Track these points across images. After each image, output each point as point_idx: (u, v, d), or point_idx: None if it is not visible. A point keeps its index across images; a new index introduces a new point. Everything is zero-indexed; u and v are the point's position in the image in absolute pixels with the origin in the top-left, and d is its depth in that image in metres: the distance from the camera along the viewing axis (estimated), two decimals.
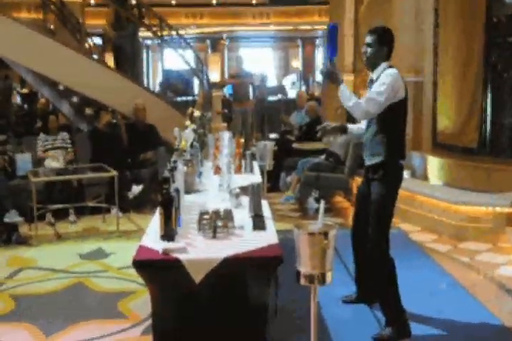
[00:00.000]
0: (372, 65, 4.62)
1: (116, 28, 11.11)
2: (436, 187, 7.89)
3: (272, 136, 14.10)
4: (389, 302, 4.58)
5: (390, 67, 4.55)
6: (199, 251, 3.41)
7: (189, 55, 12.97)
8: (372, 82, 4.61)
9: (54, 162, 8.45)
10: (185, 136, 5.61)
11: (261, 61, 23.43)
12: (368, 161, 4.68)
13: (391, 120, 4.52)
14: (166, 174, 3.89)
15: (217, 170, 5.32)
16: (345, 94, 4.48)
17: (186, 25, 18.81)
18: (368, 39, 4.60)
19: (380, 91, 4.38)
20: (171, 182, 3.71)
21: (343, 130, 5.00)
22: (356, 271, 5.10)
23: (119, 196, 7.69)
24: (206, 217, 3.71)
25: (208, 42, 22.48)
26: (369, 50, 4.60)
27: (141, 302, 5.05)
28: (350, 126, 4.99)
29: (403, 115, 4.63)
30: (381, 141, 4.55)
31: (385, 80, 4.43)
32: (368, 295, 5.03)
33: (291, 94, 18.45)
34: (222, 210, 3.82)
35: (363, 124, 4.86)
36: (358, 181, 8.38)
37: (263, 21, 19.64)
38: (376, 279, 4.68)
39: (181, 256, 3.31)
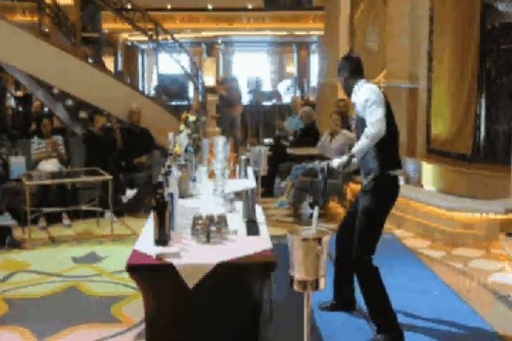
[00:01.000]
0: (347, 89, 4.73)
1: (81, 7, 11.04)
2: (431, 193, 7.90)
3: (267, 141, 14.11)
4: (378, 310, 4.56)
5: (366, 83, 4.60)
6: (193, 256, 3.41)
7: (184, 59, 12.98)
8: (354, 105, 4.67)
9: (48, 165, 8.43)
10: (180, 141, 5.61)
11: (256, 66, 23.46)
12: (364, 180, 4.64)
13: None
14: (160, 178, 3.90)
15: (212, 174, 5.33)
16: (357, 150, 4.47)
17: (181, 29, 18.80)
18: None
19: (373, 112, 4.39)
20: (165, 187, 3.72)
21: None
22: (335, 277, 5.04)
23: (113, 200, 7.67)
24: (200, 221, 3.71)
25: (204, 46, 22.50)
26: (340, 77, 4.75)
27: (135, 307, 5.04)
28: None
29: (390, 125, 4.51)
30: (371, 158, 4.51)
31: (364, 99, 4.46)
32: (345, 303, 5.03)
33: (286, 99, 18.48)
34: (216, 215, 3.82)
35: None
36: (352, 187, 8.40)
37: (258, 26, 19.64)
38: (362, 289, 4.66)
39: (175, 261, 3.31)
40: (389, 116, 4.52)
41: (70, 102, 11.14)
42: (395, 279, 5.84)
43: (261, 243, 3.65)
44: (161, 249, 3.42)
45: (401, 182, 8.23)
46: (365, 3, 10.09)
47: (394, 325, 4.50)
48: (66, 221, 8.05)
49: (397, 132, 4.68)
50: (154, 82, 19.99)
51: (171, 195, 3.76)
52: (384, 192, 4.57)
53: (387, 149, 4.54)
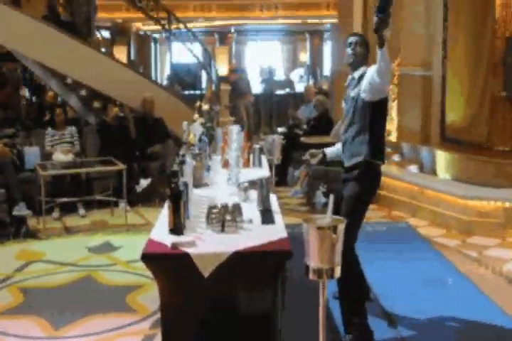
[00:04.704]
0: (358, 64, 4.53)
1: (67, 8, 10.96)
2: (445, 181, 7.86)
3: (280, 130, 14.08)
4: (350, 303, 4.42)
5: None
6: (208, 245, 3.41)
7: (197, 48, 12.94)
8: (353, 79, 4.52)
9: (62, 155, 8.45)
10: (194, 130, 5.60)
11: (269, 54, 23.37)
12: (347, 162, 4.53)
13: (373, 119, 4.40)
14: (175, 167, 3.89)
15: (226, 164, 5.32)
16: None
17: (194, 18, 18.73)
18: (356, 39, 4.52)
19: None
20: (180, 176, 3.71)
21: (323, 156, 4.85)
22: None
23: (127, 189, 7.69)
24: (215, 211, 3.70)
25: (216, 35, 22.44)
26: (359, 49, 4.49)
27: (150, 296, 5.06)
28: (329, 151, 4.87)
29: (384, 116, 4.53)
30: (363, 141, 4.41)
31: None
32: None
33: (299, 87, 18.41)
34: (230, 204, 3.81)
35: (338, 145, 4.78)
36: None
37: (271, 14, 19.53)
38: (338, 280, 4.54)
39: (190, 250, 3.30)
40: (385, 107, 4.52)
41: (83, 92, 11.15)
42: (409, 268, 5.84)
43: (276, 232, 3.64)
44: (176, 238, 3.42)
45: (414, 170, 8.26)
46: None
47: (362, 322, 4.35)
48: (81, 211, 8.07)
49: (385, 128, 4.64)
50: (167, 72, 19.97)
51: (186, 184, 3.75)
52: (369, 181, 4.47)
53: (378, 139, 4.47)
